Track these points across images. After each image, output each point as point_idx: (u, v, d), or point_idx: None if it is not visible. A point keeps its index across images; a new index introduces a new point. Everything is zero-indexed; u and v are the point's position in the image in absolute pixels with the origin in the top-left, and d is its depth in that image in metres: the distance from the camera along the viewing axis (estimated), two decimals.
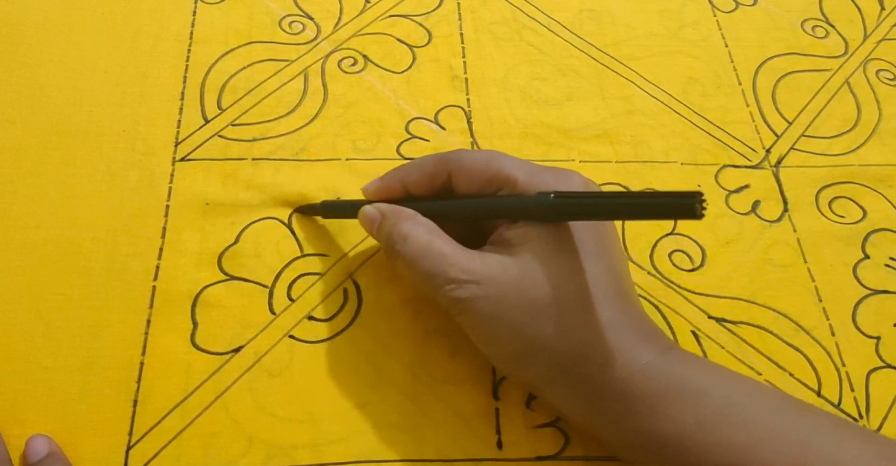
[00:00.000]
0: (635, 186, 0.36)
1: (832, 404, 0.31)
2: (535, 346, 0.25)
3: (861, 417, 0.31)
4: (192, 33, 0.37)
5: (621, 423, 0.25)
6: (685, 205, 0.20)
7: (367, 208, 0.29)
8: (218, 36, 0.38)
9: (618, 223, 0.33)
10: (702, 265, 0.34)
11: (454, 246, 0.26)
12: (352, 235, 0.33)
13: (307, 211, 0.33)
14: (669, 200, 0.21)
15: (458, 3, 0.41)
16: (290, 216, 0.33)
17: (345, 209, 0.31)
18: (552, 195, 0.24)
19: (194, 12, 0.38)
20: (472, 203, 0.28)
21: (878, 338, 0.33)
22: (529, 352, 0.25)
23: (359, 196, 0.30)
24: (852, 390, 0.31)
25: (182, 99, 0.35)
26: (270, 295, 0.31)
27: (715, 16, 0.42)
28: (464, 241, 0.27)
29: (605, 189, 0.35)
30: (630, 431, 0.25)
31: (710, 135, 0.38)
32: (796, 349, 0.32)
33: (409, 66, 0.38)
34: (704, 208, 0.20)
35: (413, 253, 0.26)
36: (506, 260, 0.25)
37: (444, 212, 0.28)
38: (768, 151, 0.38)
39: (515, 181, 0.26)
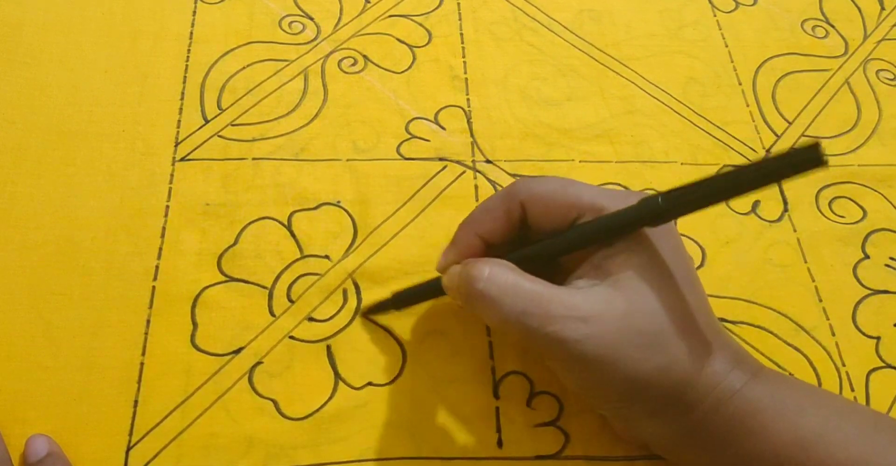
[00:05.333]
0: (635, 186, 0.36)
1: None
2: (644, 382, 0.24)
3: None
4: (192, 33, 0.37)
5: (721, 448, 0.24)
6: (813, 157, 0.19)
7: (452, 269, 0.26)
8: (218, 36, 0.38)
9: None
10: (702, 265, 0.34)
11: (545, 283, 0.24)
12: (351, 236, 0.33)
13: (378, 309, 0.30)
14: (793, 159, 0.20)
15: (458, 3, 0.41)
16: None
17: (420, 291, 0.29)
18: (659, 198, 0.23)
19: (194, 12, 0.38)
20: (578, 231, 0.25)
21: (878, 338, 0.33)
22: (638, 389, 0.24)
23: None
24: (852, 390, 0.31)
25: (182, 99, 0.35)
26: (270, 296, 0.31)
27: (715, 16, 0.42)
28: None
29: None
30: (729, 455, 0.24)
31: (710, 135, 0.38)
32: (796, 349, 0.32)
33: (409, 66, 0.38)
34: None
35: (498, 291, 0.24)
36: (609, 292, 0.24)
37: (548, 250, 0.26)
38: (768, 151, 0.38)
39: (602, 207, 0.25)
